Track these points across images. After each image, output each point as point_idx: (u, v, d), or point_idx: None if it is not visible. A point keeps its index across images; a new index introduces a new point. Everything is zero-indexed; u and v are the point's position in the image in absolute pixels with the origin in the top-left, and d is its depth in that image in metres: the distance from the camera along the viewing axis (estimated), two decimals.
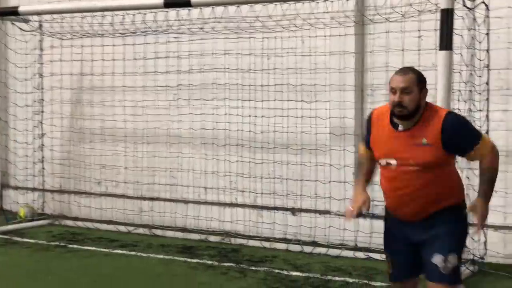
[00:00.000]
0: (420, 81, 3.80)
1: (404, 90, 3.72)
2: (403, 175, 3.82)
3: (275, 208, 8.31)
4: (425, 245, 3.90)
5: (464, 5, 6.38)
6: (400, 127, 3.82)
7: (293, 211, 8.22)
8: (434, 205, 3.86)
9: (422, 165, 3.76)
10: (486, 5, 6.63)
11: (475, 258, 6.71)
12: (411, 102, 3.72)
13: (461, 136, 3.75)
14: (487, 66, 6.72)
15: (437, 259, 3.83)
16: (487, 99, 6.70)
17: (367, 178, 4.13)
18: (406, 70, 3.85)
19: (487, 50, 6.71)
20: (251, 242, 8.00)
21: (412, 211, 3.90)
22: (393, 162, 3.83)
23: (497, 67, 6.89)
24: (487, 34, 6.69)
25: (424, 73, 7.20)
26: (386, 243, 4.18)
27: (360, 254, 7.23)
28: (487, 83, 6.73)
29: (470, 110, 6.59)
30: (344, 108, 7.74)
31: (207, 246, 7.96)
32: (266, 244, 7.88)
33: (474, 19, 6.57)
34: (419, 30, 7.26)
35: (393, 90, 3.78)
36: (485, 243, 6.77)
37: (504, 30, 6.92)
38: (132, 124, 9.33)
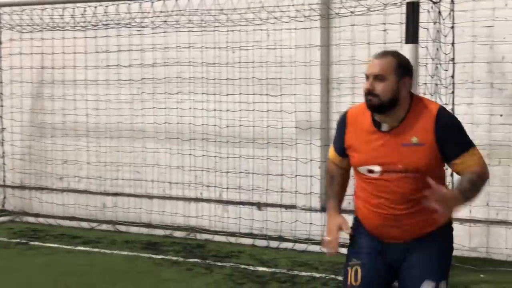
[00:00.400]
0: (400, 67, 3.22)
1: (377, 76, 3.19)
2: (389, 184, 3.22)
3: (241, 203, 8.25)
4: (409, 268, 3.32)
5: None
6: (384, 127, 3.25)
7: (259, 205, 8.17)
8: (429, 222, 3.23)
9: (412, 169, 3.18)
10: None
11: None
12: (384, 91, 3.17)
13: (453, 137, 3.19)
14: (452, 59, 6.74)
15: (428, 287, 3.28)
16: (453, 93, 6.71)
17: (340, 199, 3.51)
18: (385, 53, 3.28)
19: (452, 44, 6.72)
20: (217, 238, 7.94)
21: (400, 232, 3.29)
22: (376, 168, 3.23)
23: (462, 61, 6.91)
24: (452, 27, 6.70)
25: None
26: (353, 253, 3.43)
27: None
28: (453, 77, 6.75)
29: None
30: (310, 102, 7.71)
31: (172, 241, 7.88)
32: (232, 239, 7.83)
33: (439, 12, 6.57)
34: (384, 24, 7.25)
35: (366, 77, 3.25)
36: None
37: (468, 23, 6.94)
38: (94, 118, 9.19)
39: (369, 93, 3.20)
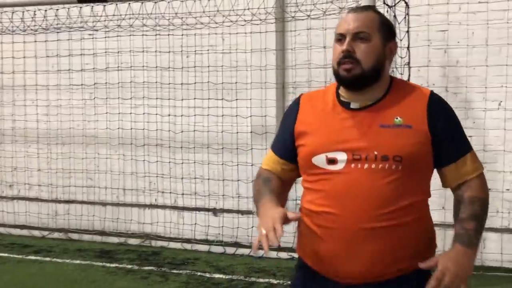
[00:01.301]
0: (384, 25, 2.41)
1: (358, 34, 2.33)
2: (358, 179, 2.30)
3: (196, 209, 8.15)
4: None
5: (385, 3, 6.39)
6: (354, 104, 2.38)
7: (215, 211, 8.09)
8: (408, 250, 2.34)
9: (395, 157, 2.29)
10: (406, 2, 6.66)
11: None
12: (368, 55, 2.32)
13: (452, 131, 2.37)
14: (408, 63, 6.76)
15: None
16: None
17: (278, 197, 2.48)
18: (364, 8, 2.54)
19: (408, 48, 6.74)
20: (172, 244, 7.83)
21: (367, 263, 2.32)
22: (340, 156, 2.31)
23: (417, 65, 6.95)
24: (407, 31, 6.72)
25: None
26: None
27: (284, 255, 7.13)
28: (408, 80, 6.76)
29: None
30: (265, 107, 7.66)
31: (126, 249, 7.74)
32: (188, 246, 7.72)
33: (395, 16, 6.58)
34: None
35: (339, 37, 2.37)
36: None
37: (423, 27, 6.98)
38: (45, 124, 8.99)
39: (347, 56, 2.32)
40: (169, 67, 8.22)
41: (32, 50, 8.92)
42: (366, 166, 2.31)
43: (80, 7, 8.07)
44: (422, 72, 7.02)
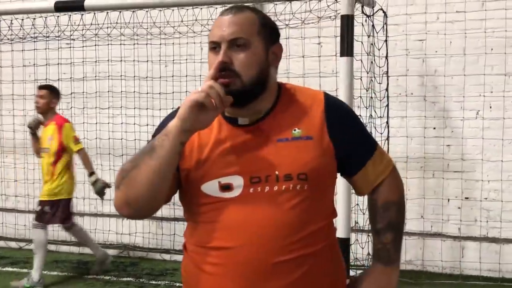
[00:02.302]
0: (265, 27, 2.04)
1: (235, 41, 1.97)
2: (259, 205, 1.96)
3: (175, 219, 8.09)
4: None
5: (363, 12, 6.39)
6: (242, 120, 2.04)
7: None
8: (322, 282, 2.04)
9: (300, 174, 1.98)
10: (384, 12, 6.68)
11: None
12: (248, 65, 1.97)
13: (354, 132, 2.11)
14: (386, 72, 6.77)
15: None
16: (387, 106, 6.74)
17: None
18: (239, 8, 2.04)
19: (386, 57, 6.76)
20: (151, 255, 7.77)
21: None
22: (236, 181, 1.97)
23: (395, 74, 6.97)
24: (386, 41, 6.74)
25: (325, 80, 7.25)
26: None
27: None
28: (387, 90, 6.78)
29: (371, 116, 6.61)
30: None
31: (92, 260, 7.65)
32: (166, 257, 7.66)
33: (373, 26, 6.60)
34: (319, 37, 7.25)
35: (213, 45, 2.01)
36: None
37: (401, 37, 7.01)
38: (22, 134, 8.89)
39: (224, 69, 1.96)
40: (147, 77, 8.17)
41: (8, 59, 8.84)
42: (267, 189, 1.96)
43: (58, 16, 8.00)
44: (401, 81, 7.04)
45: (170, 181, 1.98)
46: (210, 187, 1.99)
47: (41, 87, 6.78)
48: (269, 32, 2.05)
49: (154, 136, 2.06)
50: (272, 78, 2.07)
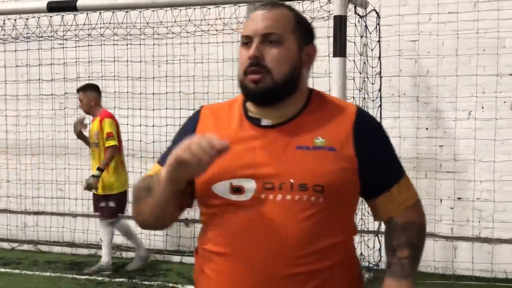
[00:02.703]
0: (300, 25, 1.97)
1: (268, 36, 1.90)
2: (270, 213, 1.85)
3: None
4: None
5: (356, 13, 6.41)
6: (266, 121, 1.95)
7: (187, 222, 8.03)
8: None
9: (315, 185, 1.85)
10: (377, 13, 6.70)
11: (370, 265, 6.75)
12: (280, 61, 1.89)
13: (382, 156, 1.99)
14: (379, 73, 6.79)
15: None
16: (380, 106, 6.75)
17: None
18: (274, 5, 1.98)
19: (379, 58, 6.78)
20: None
21: None
22: (248, 185, 1.87)
23: (388, 75, 6.98)
24: (379, 41, 6.76)
25: (318, 80, 7.25)
26: None
27: None
28: (380, 90, 6.79)
29: None
30: None
31: (97, 261, 7.61)
32: (159, 257, 7.65)
33: (366, 26, 6.62)
34: None
35: (246, 40, 1.94)
36: (379, 249, 6.82)
37: (394, 37, 7.02)
38: (14, 134, 8.87)
39: (254, 64, 1.89)
40: (140, 77, 8.16)
41: (1, 59, 8.82)
42: (279, 197, 1.85)
43: (51, 16, 7.99)
44: (393, 82, 7.05)
45: (177, 202, 1.94)
46: (221, 188, 1.89)
47: (77, 90, 7.16)
48: (304, 32, 1.97)
49: (173, 142, 2.08)
50: (304, 80, 1.98)
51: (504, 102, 6.80)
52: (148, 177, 1.98)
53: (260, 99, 1.93)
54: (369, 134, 1.96)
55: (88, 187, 6.92)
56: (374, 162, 1.95)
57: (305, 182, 1.85)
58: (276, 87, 1.90)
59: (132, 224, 7.11)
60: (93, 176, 6.89)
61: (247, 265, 1.86)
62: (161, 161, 2.05)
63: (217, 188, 1.90)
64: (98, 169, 6.88)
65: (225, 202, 1.89)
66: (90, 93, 7.05)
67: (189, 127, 2.06)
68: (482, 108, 6.86)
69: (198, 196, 1.98)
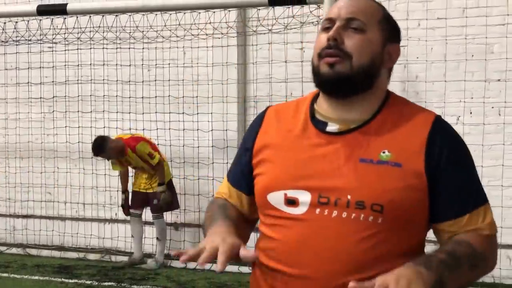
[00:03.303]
0: (388, 21, 1.82)
1: (351, 22, 1.75)
2: (325, 230, 1.70)
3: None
4: None
5: None
6: (332, 126, 1.78)
7: (176, 225, 8.03)
8: None
9: (374, 205, 1.68)
10: None
11: None
12: (361, 48, 1.73)
13: (461, 174, 1.75)
14: None
15: None
16: None
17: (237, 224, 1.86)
18: None
19: None
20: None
21: None
22: (303, 197, 1.73)
23: None
24: None
25: (308, 85, 7.25)
26: None
27: (245, 269, 7.11)
28: None
29: None
30: (226, 121, 7.65)
31: (86, 265, 7.64)
32: (149, 261, 7.64)
33: None
34: (301, 42, 7.28)
35: (327, 25, 1.78)
36: None
37: None
38: (3, 138, 8.85)
39: (333, 47, 1.72)
40: (130, 81, 8.16)
41: None
42: (334, 213, 1.69)
43: (40, 20, 7.97)
44: None
45: (245, 225, 1.91)
46: (276, 198, 1.77)
47: (95, 154, 7.30)
48: (390, 28, 1.81)
49: (240, 147, 1.96)
50: (382, 81, 1.81)
51: (492, 107, 6.85)
52: (212, 210, 1.91)
53: (335, 86, 1.74)
54: (445, 148, 1.73)
55: (167, 203, 7.36)
56: (447, 184, 1.72)
57: (362, 199, 1.68)
58: (353, 74, 1.72)
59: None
60: (163, 192, 7.28)
61: (295, 285, 1.72)
62: (229, 176, 1.97)
63: (272, 198, 1.78)
64: (160, 184, 7.29)
65: (279, 214, 1.76)
66: (106, 145, 7.11)
67: (250, 135, 1.92)
68: (471, 113, 6.90)
69: (257, 203, 1.86)
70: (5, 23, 8.11)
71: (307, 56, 7.24)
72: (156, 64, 8.01)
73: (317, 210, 1.71)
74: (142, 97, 8.08)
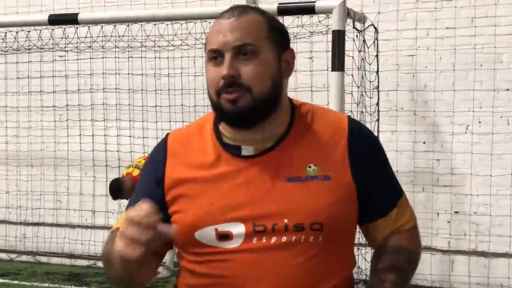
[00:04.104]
0: (274, 31, 1.69)
1: (241, 48, 1.63)
2: (264, 261, 1.63)
3: None
4: None
5: (354, 27, 6.48)
6: (246, 149, 1.69)
7: None
8: None
9: (314, 224, 1.64)
10: (375, 27, 6.77)
11: (367, 278, 6.77)
12: (259, 76, 1.64)
13: (381, 177, 1.77)
14: (377, 87, 6.85)
15: None
16: (378, 120, 6.81)
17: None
18: (243, 10, 1.68)
19: (377, 72, 6.84)
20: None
21: None
22: (236, 229, 1.64)
23: (385, 89, 7.04)
24: (377, 56, 6.83)
25: (316, 94, 7.34)
26: None
27: None
28: (377, 104, 6.85)
29: None
30: None
31: (95, 272, 7.67)
32: (159, 269, 7.66)
33: (364, 41, 6.69)
34: (311, 51, 7.32)
35: (214, 53, 1.65)
36: None
37: (391, 52, 7.09)
38: (14, 146, 8.91)
39: (230, 85, 1.63)
40: (141, 89, 8.22)
41: (2, 71, 8.86)
42: (273, 239, 1.62)
43: (52, 29, 8.05)
44: (391, 96, 7.11)
45: (151, 260, 1.67)
46: (206, 235, 1.65)
47: (115, 198, 7.11)
48: (279, 37, 1.70)
49: (138, 186, 1.81)
50: (285, 92, 1.73)
51: (501, 116, 6.86)
52: (111, 241, 1.66)
53: (240, 121, 1.66)
54: (365, 152, 1.72)
55: None
56: (373, 185, 1.72)
57: (300, 221, 1.62)
58: (257, 105, 1.63)
59: None
60: None
61: None
62: (131, 203, 1.76)
63: (201, 236, 1.65)
64: None
65: (212, 250, 1.65)
66: (126, 189, 6.97)
67: (155, 169, 1.75)
68: (479, 122, 6.91)
69: (179, 244, 1.71)
70: (17, 32, 8.19)
71: (316, 66, 7.30)
72: (168, 74, 8.06)
73: (254, 239, 1.62)
74: (154, 106, 8.12)
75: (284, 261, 1.62)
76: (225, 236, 1.63)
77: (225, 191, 1.66)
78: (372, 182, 1.72)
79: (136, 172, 7.30)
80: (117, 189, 7.08)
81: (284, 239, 1.62)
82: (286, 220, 1.62)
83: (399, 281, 1.70)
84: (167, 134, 1.83)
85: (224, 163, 1.69)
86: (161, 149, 1.77)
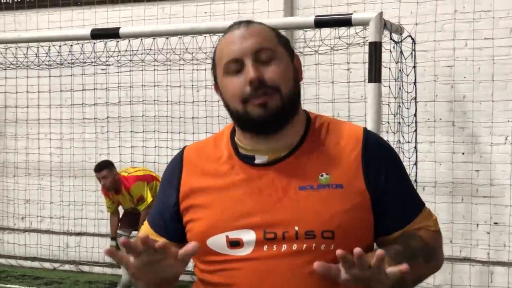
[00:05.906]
0: (280, 36, 1.75)
1: (259, 54, 1.66)
2: (275, 268, 1.62)
3: None
4: None
5: (391, 39, 6.49)
6: (260, 158, 1.70)
7: None
8: None
9: (325, 232, 1.63)
10: (412, 39, 6.77)
11: None
12: (282, 75, 1.67)
13: (398, 186, 1.74)
14: (415, 98, 6.85)
15: None
16: (415, 131, 6.80)
17: None
18: (248, 21, 1.73)
19: (414, 83, 6.84)
20: (182, 276, 7.83)
21: None
22: (247, 237, 1.65)
23: (423, 99, 7.03)
24: (414, 67, 6.82)
25: (354, 105, 7.35)
26: None
27: None
28: (415, 115, 6.85)
29: (399, 141, 6.68)
30: None
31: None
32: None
33: (401, 52, 6.69)
34: (348, 63, 7.34)
35: (233, 64, 1.67)
36: None
37: (429, 63, 7.07)
38: (58, 157, 9.10)
39: (258, 87, 1.63)
40: (179, 101, 8.33)
41: (46, 84, 9.05)
42: (284, 247, 1.62)
43: (94, 43, 8.22)
44: (429, 107, 7.10)
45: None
46: (217, 242, 1.66)
47: (97, 170, 7.20)
48: (286, 42, 1.76)
49: (158, 197, 1.87)
50: (299, 98, 1.76)
51: None
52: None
53: (269, 124, 1.66)
54: (380, 161, 1.70)
55: None
56: (389, 195, 1.69)
57: (311, 228, 1.62)
58: (285, 106, 1.66)
59: None
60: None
61: None
62: (150, 220, 1.84)
63: (212, 243, 1.67)
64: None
65: (223, 258, 1.66)
66: (111, 167, 7.19)
67: (171, 180, 1.80)
68: None
69: (194, 259, 1.72)
70: (60, 46, 8.36)
71: (354, 77, 7.33)
72: (205, 86, 8.14)
73: (265, 247, 1.63)
74: (192, 117, 8.22)
75: (295, 269, 1.61)
76: (235, 243, 1.64)
77: (237, 199, 1.68)
78: (390, 195, 1.69)
79: (136, 173, 7.35)
80: (101, 164, 7.21)
81: (295, 247, 1.62)
82: (297, 228, 1.62)
83: (405, 253, 1.62)
84: (185, 147, 1.88)
85: (238, 172, 1.71)
86: (177, 160, 1.83)
